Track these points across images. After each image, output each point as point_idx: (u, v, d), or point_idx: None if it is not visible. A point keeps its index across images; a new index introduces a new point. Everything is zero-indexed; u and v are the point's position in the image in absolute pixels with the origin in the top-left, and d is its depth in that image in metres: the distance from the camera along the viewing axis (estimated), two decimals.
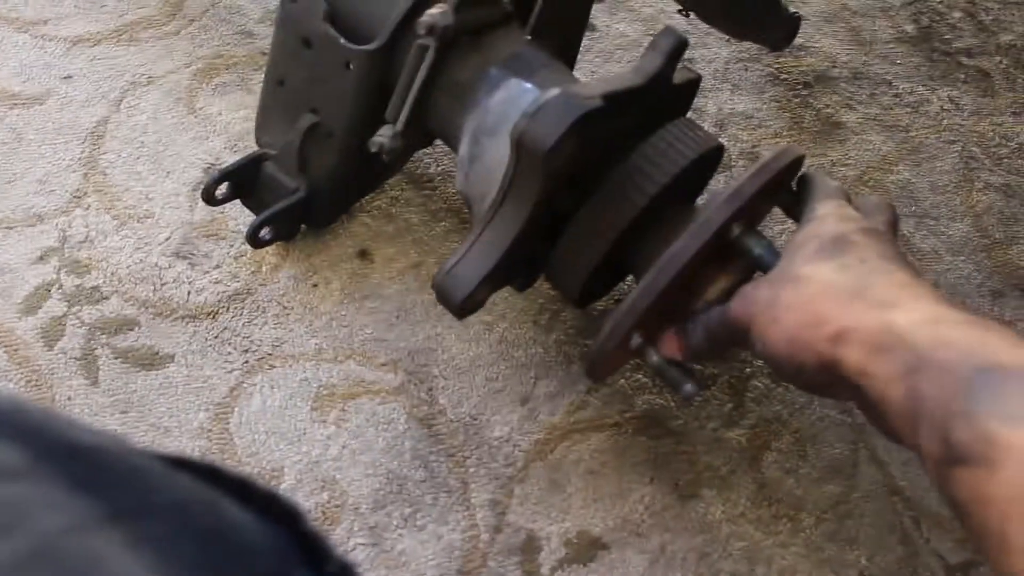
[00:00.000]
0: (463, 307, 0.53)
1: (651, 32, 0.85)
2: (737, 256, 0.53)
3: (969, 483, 0.36)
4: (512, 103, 0.54)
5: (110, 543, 0.27)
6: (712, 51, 0.85)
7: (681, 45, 0.53)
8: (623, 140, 0.54)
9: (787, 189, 0.56)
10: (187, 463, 0.33)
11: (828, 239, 0.47)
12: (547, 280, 0.58)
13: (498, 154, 0.53)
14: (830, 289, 0.45)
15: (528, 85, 0.54)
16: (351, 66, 0.59)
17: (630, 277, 0.65)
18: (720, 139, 0.62)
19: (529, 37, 0.58)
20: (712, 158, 0.58)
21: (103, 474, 0.30)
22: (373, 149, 0.57)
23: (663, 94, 0.56)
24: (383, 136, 0.57)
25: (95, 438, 0.31)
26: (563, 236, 0.54)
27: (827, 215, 0.50)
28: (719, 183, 0.75)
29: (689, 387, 0.52)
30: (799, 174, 0.56)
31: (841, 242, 0.47)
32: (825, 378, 0.45)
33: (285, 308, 0.66)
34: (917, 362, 0.40)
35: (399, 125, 0.57)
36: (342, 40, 0.59)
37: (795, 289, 0.46)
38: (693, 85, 0.60)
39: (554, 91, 0.49)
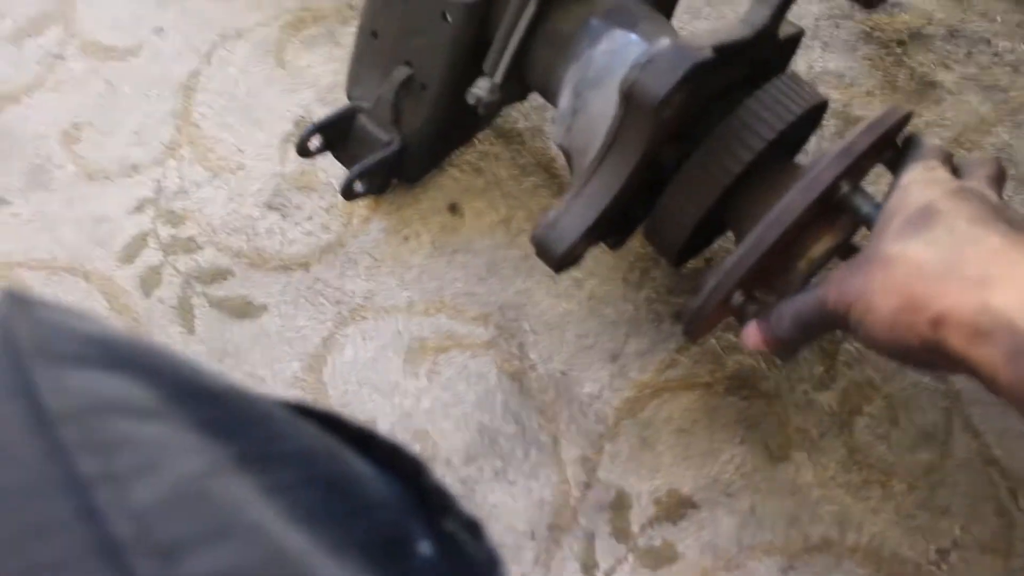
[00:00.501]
0: (563, 261, 0.53)
1: None
2: (843, 214, 0.52)
3: None
4: (616, 54, 0.53)
5: (245, 488, 0.27)
6: (802, 7, 0.83)
7: None
8: (728, 93, 0.53)
9: (893, 147, 0.55)
10: (310, 411, 0.33)
11: (914, 211, 0.46)
12: (645, 237, 0.57)
13: (602, 107, 0.52)
14: (921, 269, 0.43)
15: (633, 36, 0.54)
16: (448, 17, 0.59)
17: (726, 235, 0.64)
18: None
19: None
20: (816, 114, 0.56)
21: (231, 419, 0.29)
22: (471, 102, 0.57)
23: (768, 47, 0.55)
24: (480, 89, 0.57)
25: (222, 382, 0.31)
26: (665, 191, 0.53)
27: (911, 183, 0.48)
28: (811, 142, 0.73)
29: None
30: (904, 133, 0.54)
31: (927, 213, 0.45)
32: (935, 358, 0.43)
33: (376, 260, 0.67)
34: (1020, 345, 0.38)
35: (497, 77, 0.56)
36: None
37: (885, 272, 0.44)
38: (795, 40, 0.59)
39: (665, 42, 0.48)
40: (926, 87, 0.79)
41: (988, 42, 0.82)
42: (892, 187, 0.49)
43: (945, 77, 0.80)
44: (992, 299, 0.40)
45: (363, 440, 0.34)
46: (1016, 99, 0.80)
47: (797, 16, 0.82)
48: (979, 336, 0.40)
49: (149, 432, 0.27)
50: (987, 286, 0.41)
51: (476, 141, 0.71)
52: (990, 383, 0.41)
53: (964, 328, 0.41)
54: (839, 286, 0.47)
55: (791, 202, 0.49)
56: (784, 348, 0.52)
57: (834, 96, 0.78)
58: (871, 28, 0.82)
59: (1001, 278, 0.41)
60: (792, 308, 0.50)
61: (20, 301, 0.29)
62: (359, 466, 0.33)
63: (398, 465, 0.34)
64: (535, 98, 0.68)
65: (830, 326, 0.48)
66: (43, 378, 0.26)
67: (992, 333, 0.40)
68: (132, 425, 0.27)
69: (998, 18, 0.84)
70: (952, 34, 0.83)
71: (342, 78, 0.71)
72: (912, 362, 0.46)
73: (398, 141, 0.64)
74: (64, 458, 0.25)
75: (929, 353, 0.43)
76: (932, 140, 0.52)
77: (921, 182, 0.47)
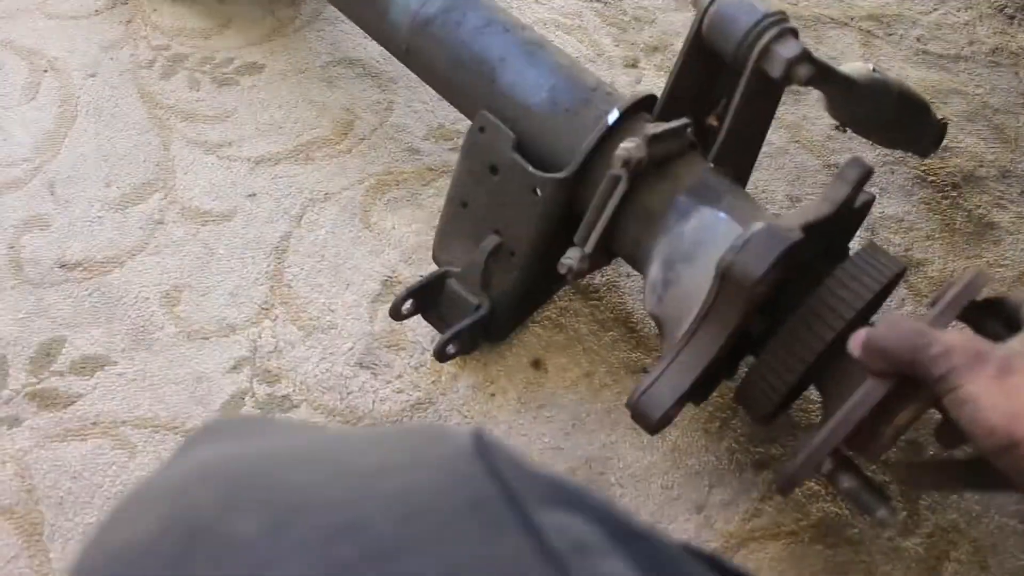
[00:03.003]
0: (659, 425, 0.56)
1: (796, 139, 0.87)
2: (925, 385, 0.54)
3: None
4: (707, 230, 0.57)
5: None
6: (857, 154, 0.87)
7: (867, 174, 0.56)
8: (811, 262, 0.56)
9: (974, 307, 0.57)
10: (696, 552, 0.37)
11: None
12: (737, 401, 0.60)
13: (695, 280, 0.55)
14: None
15: (722, 215, 0.57)
16: (539, 192, 0.63)
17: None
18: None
19: (711, 164, 0.61)
20: (895, 280, 0.59)
21: (655, 558, 0.33)
22: (562, 271, 0.60)
23: (845, 218, 0.58)
24: (572, 259, 0.60)
25: (643, 523, 0.35)
26: (758, 361, 0.56)
27: None
28: None
29: (884, 512, 0.53)
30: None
31: None
32: None
33: (465, 417, 0.69)
34: None
35: (589, 248, 0.60)
36: (530, 168, 0.62)
37: None
38: (868, 205, 0.62)
39: (759, 225, 0.51)
40: (984, 228, 0.82)
41: None
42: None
43: (1001, 217, 0.83)
44: None
45: None
46: None
47: None
48: None
49: (619, 569, 0.31)
50: None
51: (556, 297, 0.74)
52: None
53: None
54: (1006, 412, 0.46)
55: (875, 385, 0.51)
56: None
57: (895, 240, 0.81)
58: (925, 172, 0.86)
59: None
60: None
61: (492, 443, 0.33)
62: None
63: None
64: None
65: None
66: (540, 518, 0.30)
67: None
68: (608, 562, 0.31)
69: None
70: (1004, 174, 0.86)
71: (425, 238, 0.75)
72: None
73: (487, 304, 0.67)
74: None
75: None
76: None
77: None
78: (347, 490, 0.31)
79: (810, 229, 0.53)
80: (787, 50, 0.56)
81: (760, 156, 0.86)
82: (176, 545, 0.30)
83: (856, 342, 0.52)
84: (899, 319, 0.51)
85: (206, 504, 0.31)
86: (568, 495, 0.33)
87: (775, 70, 0.57)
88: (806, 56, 0.57)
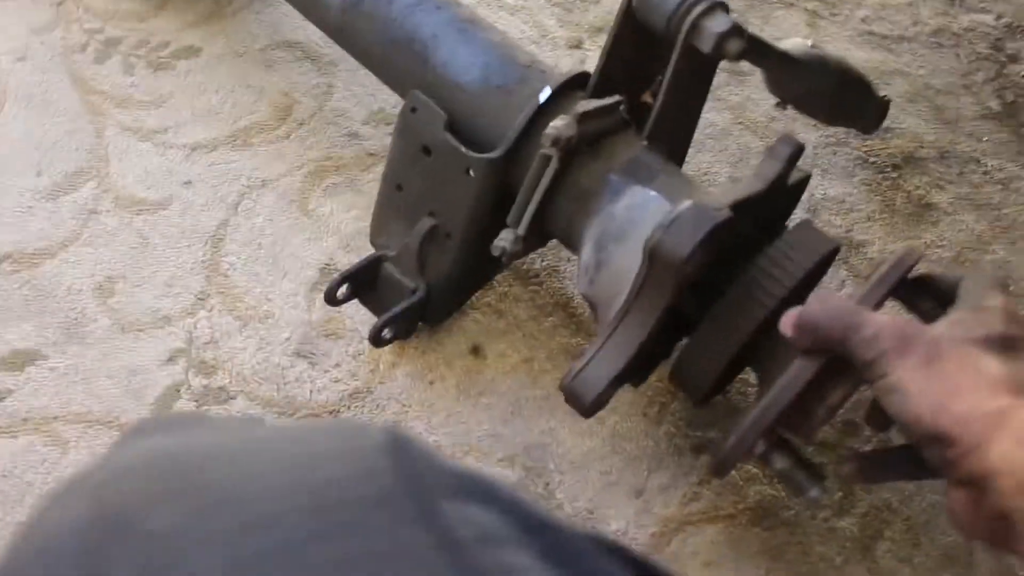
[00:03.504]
0: (592, 408, 0.55)
1: (739, 120, 0.87)
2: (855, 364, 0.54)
3: None
4: (638, 210, 0.56)
5: None
6: (799, 135, 0.87)
7: (798, 151, 0.56)
8: (742, 240, 0.56)
9: (905, 285, 0.57)
10: (601, 542, 0.37)
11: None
12: (672, 381, 0.60)
13: (626, 261, 0.55)
14: None
15: (652, 192, 0.57)
16: (471, 172, 0.62)
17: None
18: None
19: (644, 142, 0.61)
20: (829, 258, 0.59)
21: (563, 549, 0.34)
22: (495, 253, 0.60)
23: (778, 195, 0.58)
24: (505, 240, 0.60)
25: (551, 515, 0.35)
26: (691, 341, 0.56)
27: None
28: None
29: (816, 492, 0.53)
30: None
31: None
32: None
33: (404, 406, 0.69)
34: None
35: (521, 230, 0.59)
36: (463, 148, 0.62)
37: None
38: (803, 183, 0.62)
39: (686, 203, 0.51)
40: (923, 209, 0.83)
41: (978, 161, 0.86)
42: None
43: (940, 198, 0.84)
44: None
45: (648, 572, 0.38)
46: (1009, 216, 0.83)
47: None
48: None
49: (525, 560, 0.32)
50: None
51: (495, 283, 0.74)
52: None
53: None
54: (952, 412, 0.45)
55: (807, 363, 0.51)
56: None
57: (836, 222, 0.81)
58: (867, 153, 0.86)
59: None
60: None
61: (405, 439, 0.34)
62: None
63: None
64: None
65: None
66: (445, 509, 0.31)
67: None
68: (513, 553, 0.32)
69: (985, 138, 0.88)
70: (943, 156, 0.87)
71: (364, 225, 0.74)
72: None
73: (424, 288, 0.67)
74: None
75: None
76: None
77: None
78: (262, 485, 0.32)
79: (740, 207, 0.52)
80: (717, 24, 0.55)
81: (703, 138, 0.86)
82: (93, 540, 0.31)
83: (787, 321, 0.52)
84: (829, 295, 0.51)
85: (126, 499, 0.32)
86: (478, 488, 0.34)
87: (705, 45, 0.56)
88: (737, 30, 0.56)
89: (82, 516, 0.32)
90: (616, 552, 0.36)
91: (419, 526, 0.31)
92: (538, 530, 0.33)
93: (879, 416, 0.56)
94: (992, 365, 0.45)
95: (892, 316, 0.49)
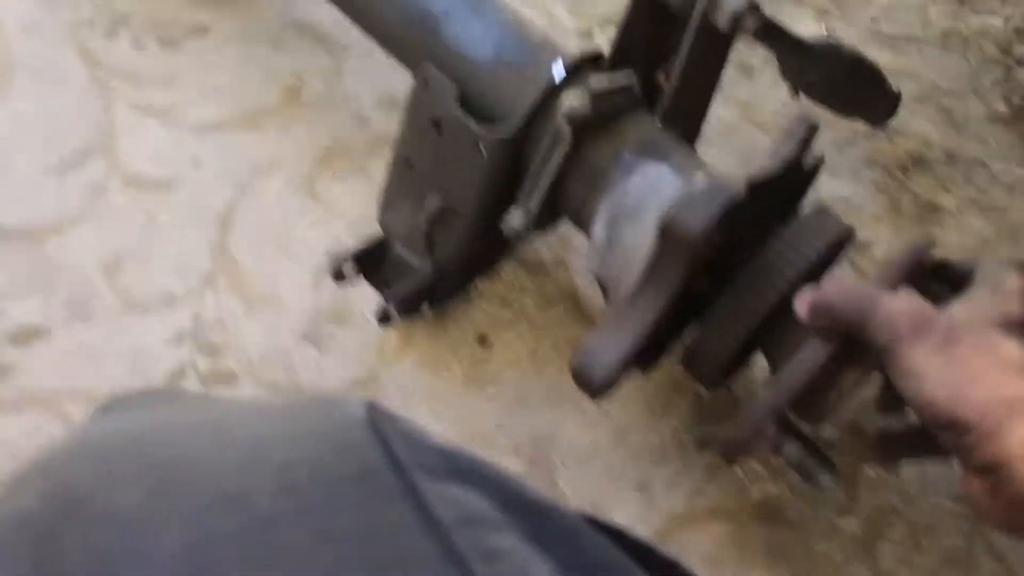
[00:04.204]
0: (601, 389, 0.55)
1: (747, 117, 0.87)
2: (869, 350, 0.54)
3: None
4: (651, 187, 0.56)
5: None
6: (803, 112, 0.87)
7: (813, 130, 0.56)
8: (757, 222, 0.56)
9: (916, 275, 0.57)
10: (599, 524, 0.37)
11: None
12: (683, 365, 0.59)
13: (638, 239, 0.55)
14: None
15: (666, 170, 0.57)
16: (482, 150, 0.61)
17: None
18: None
19: (658, 121, 0.61)
20: (843, 243, 0.59)
21: (551, 531, 0.33)
22: (505, 232, 0.60)
23: (793, 177, 0.58)
24: (515, 219, 0.59)
25: (539, 495, 0.34)
26: (704, 323, 0.56)
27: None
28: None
29: (827, 478, 0.53)
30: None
31: None
32: None
33: (410, 394, 0.69)
34: None
35: (532, 208, 0.59)
36: (473, 123, 0.61)
37: None
38: (817, 167, 0.62)
39: (700, 178, 0.51)
40: (929, 211, 0.83)
41: (984, 164, 0.87)
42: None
43: (946, 200, 0.84)
44: None
45: (644, 552, 0.37)
46: (1014, 218, 0.84)
47: None
48: None
49: (508, 543, 0.31)
50: None
51: (502, 273, 0.74)
52: None
53: None
54: (972, 398, 0.43)
55: (820, 346, 0.51)
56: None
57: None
58: (874, 154, 0.86)
59: None
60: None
61: (385, 414, 0.33)
62: None
63: None
64: (559, 229, 0.71)
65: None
66: (427, 489, 0.30)
67: None
68: (496, 536, 0.31)
69: (991, 141, 0.88)
70: (950, 158, 0.87)
71: (373, 210, 0.74)
72: None
73: (431, 267, 0.66)
74: (464, 565, 0.29)
75: None
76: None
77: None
78: (232, 462, 0.31)
79: (756, 187, 0.52)
80: (734, 1, 0.55)
81: (711, 133, 0.86)
82: (44, 524, 0.30)
83: (803, 302, 0.51)
84: (845, 277, 0.51)
85: (81, 481, 0.31)
86: (462, 467, 0.33)
87: (722, 20, 0.56)
88: (753, 7, 0.56)
89: (33, 501, 0.31)
90: (615, 535, 0.36)
91: (401, 505, 0.30)
92: (524, 511, 0.33)
93: (891, 399, 0.55)
94: (1010, 349, 0.44)
95: (908, 298, 0.48)
